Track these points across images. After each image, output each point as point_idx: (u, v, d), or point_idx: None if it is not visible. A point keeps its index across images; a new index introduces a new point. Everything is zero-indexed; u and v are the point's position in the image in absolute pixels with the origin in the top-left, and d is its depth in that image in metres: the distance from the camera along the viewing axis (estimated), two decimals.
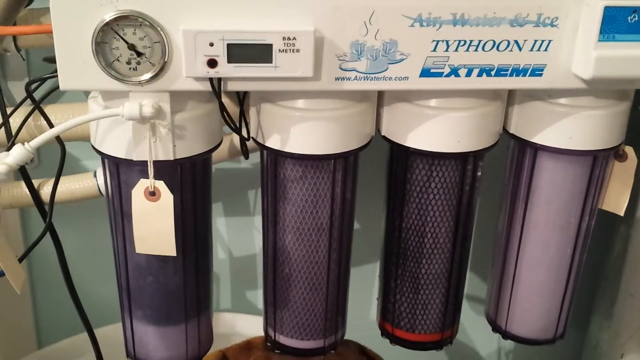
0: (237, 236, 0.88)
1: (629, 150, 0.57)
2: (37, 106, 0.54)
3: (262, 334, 0.65)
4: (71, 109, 0.58)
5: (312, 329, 0.58)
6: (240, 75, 0.44)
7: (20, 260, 0.54)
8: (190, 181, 0.51)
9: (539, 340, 0.63)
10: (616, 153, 0.56)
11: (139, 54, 0.44)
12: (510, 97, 0.54)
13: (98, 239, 0.79)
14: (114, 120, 0.47)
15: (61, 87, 0.44)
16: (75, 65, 0.44)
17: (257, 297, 0.93)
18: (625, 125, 0.54)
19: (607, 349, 0.88)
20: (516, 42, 0.46)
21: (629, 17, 0.44)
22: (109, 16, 0.42)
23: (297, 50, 0.44)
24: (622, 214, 0.59)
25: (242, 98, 0.52)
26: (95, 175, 0.64)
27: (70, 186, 0.63)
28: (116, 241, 0.53)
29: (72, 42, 0.43)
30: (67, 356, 0.77)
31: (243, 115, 0.52)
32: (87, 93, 0.54)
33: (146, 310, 0.55)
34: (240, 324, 0.84)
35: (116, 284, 0.55)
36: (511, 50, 0.47)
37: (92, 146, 0.50)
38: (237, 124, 0.51)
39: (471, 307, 0.89)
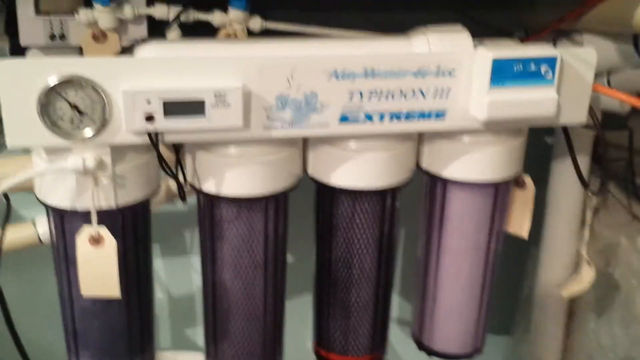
0: (173, 276, 0.91)
1: (527, 179, 0.64)
2: None
3: None
4: (11, 162, 0.60)
5: (251, 359, 0.62)
6: (176, 128, 0.49)
7: None
8: (131, 226, 0.54)
9: (459, 355, 0.69)
10: (516, 182, 0.63)
11: (81, 113, 0.47)
12: (421, 137, 0.60)
13: (38, 286, 0.81)
14: (58, 173, 0.50)
15: (9, 146, 0.48)
16: (21, 125, 0.47)
17: (196, 334, 0.96)
18: (522, 157, 0.61)
19: None
20: (420, 90, 0.53)
21: (515, 67, 0.51)
22: (52, 80, 0.46)
23: (228, 104, 0.49)
24: (525, 236, 0.66)
25: (177, 146, 0.56)
26: (34, 225, 0.66)
27: (11, 236, 0.65)
28: (62, 286, 0.56)
29: (18, 104, 0.46)
30: None
31: (179, 162, 0.56)
32: None
33: (92, 351, 0.57)
34: None
35: (59, 328, 0.58)
36: (416, 98, 0.53)
37: (37, 197, 0.53)
38: (174, 170, 0.55)
39: (401, 328, 0.95)
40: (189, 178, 0.56)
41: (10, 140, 0.47)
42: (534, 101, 0.53)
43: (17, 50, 0.58)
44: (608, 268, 0.78)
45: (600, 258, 0.78)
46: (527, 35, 0.68)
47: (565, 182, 0.77)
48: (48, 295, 0.57)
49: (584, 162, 0.74)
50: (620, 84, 0.66)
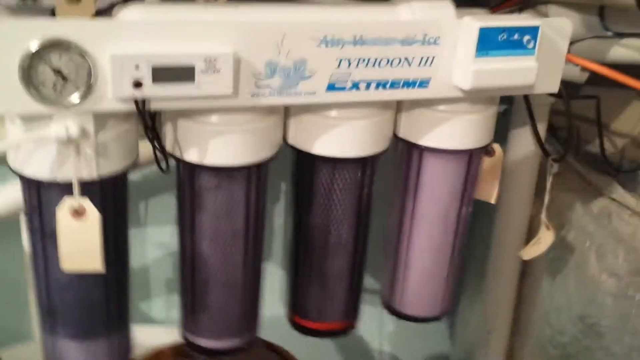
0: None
1: (496, 146, 0.65)
2: None
3: (166, 343, 0.67)
4: None
5: (229, 328, 0.62)
6: (164, 95, 0.47)
7: None
8: (111, 197, 0.52)
9: (428, 318, 0.71)
10: (486, 150, 0.65)
11: (65, 79, 0.45)
12: (399, 106, 0.60)
13: None
14: (36, 143, 0.48)
15: None
16: (1, 91, 0.44)
17: (151, 307, 0.95)
18: (494, 126, 0.62)
19: (476, 325, 0.99)
20: (406, 58, 0.53)
21: (500, 36, 0.52)
22: (35, 44, 0.43)
23: (218, 71, 0.48)
24: (493, 201, 0.68)
25: (153, 114, 0.54)
26: None
27: None
28: (37, 261, 0.53)
29: None
30: None
31: (155, 131, 0.54)
32: None
33: (69, 327, 0.55)
34: (141, 336, 0.85)
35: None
36: (402, 66, 0.53)
37: (10, 168, 0.50)
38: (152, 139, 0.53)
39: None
40: (168, 147, 0.55)
41: None
42: (516, 70, 0.54)
43: None
44: (562, 231, 0.81)
45: (554, 222, 0.82)
46: (494, 6, 0.69)
47: (522, 150, 0.79)
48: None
49: (541, 130, 0.76)
50: (581, 54, 0.69)
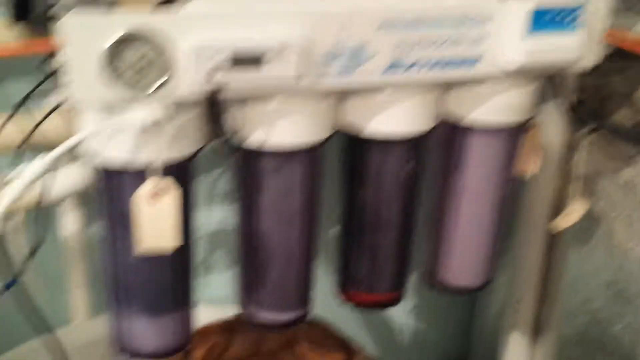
0: None
1: (536, 121, 0.68)
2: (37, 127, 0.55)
3: (210, 321, 0.69)
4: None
5: (288, 303, 0.65)
6: (237, 81, 0.50)
7: None
8: (184, 179, 0.55)
9: (472, 288, 0.74)
10: (528, 125, 0.68)
11: (146, 68, 0.47)
12: (444, 84, 0.63)
13: None
14: (116, 130, 0.50)
15: (73, 101, 0.47)
16: (87, 81, 0.46)
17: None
18: (535, 100, 0.65)
19: (502, 295, 1.02)
20: (459, 39, 0.56)
21: (550, 14, 0.55)
22: (117, 35, 0.46)
23: (286, 57, 0.50)
24: (532, 175, 0.71)
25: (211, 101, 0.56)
26: None
27: None
28: (111, 244, 0.56)
29: (84, 60, 0.46)
30: None
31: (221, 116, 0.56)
32: None
33: (140, 305, 0.58)
34: None
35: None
36: (455, 46, 0.56)
37: (83, 157, 0.52)
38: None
39: None
40: (230, 132, 0.57)
41: (77, 97, 0.47)
42: (564, 47, 0.56)
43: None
44: (589, 202, 0.84)
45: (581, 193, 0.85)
46: None
47: (548, 124, 0.82)
48: None
49: (568, 103, 0.79)
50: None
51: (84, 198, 0.84)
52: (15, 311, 0.52)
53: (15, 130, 0.59)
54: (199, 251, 0.97)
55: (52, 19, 0.54)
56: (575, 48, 0.57)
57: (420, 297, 1.16)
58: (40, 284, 0.51)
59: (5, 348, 0.81)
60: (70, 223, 0.85)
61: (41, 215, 0.59)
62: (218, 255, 1.00)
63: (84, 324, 0.89)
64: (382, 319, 1.17)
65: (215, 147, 0.57)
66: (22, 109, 0.56)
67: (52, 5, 0.54)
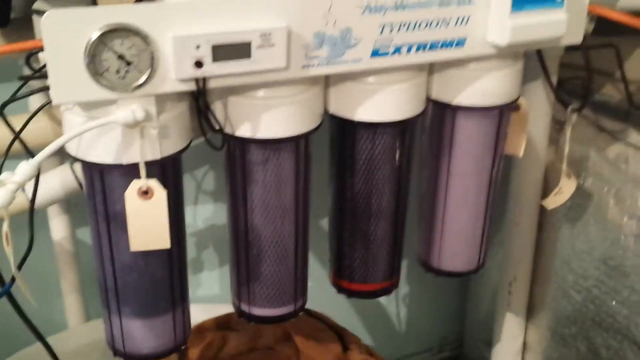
0: None
1: (523, 100, 0.68)
2: (17, 135, 0.54)
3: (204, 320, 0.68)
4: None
5: (282, 296, 0.64)
6: (223, 73, 0.49)
7: None
8: (171, 176, 0.54)
9: (464, 272, 0.73)
10: (515, 104, 0.67)
11: (128, 63, 0.46)
12: (431, 68, 0.62)
13: None
14: (99, 129, 0.49)
15: (54, 102, 0.46)
16: (67, 80, 0.45)
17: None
18: (521, 80, 0.65)
19: (494, 277, 1.02)
20: (444, 20, 0.55)
21: None
22: (99, 31, 0.44)
23: (272, 45, 0.49)
24: (521, 155, 0.71)
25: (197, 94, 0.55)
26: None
27: None
28: (100, 244, 0.55)
29: (63, 57, 0.44)
30: None
31: (209, 109, 0.55)
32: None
33: (135, 306, 0.57)
34: None
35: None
36: (440, 28, 0.55)
37: (71, 155, 0.51)
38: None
39: None
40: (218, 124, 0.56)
41: (56, 97, 0.45)
42: (549, 23, 0.56)
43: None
44: (579, 179, 0.84)
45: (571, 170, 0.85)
46: None
47: (534, 103, 0.82)
48: None
49: (553, 82, 0.79)
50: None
51: (72, 201, 0.83)
52: (14, 318, 0.51)
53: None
54: (188, 250, 0.95)
55: (31, 21, 0.53)
56: (561, 24, 0.57)
57: (412, 284, 1.16)
58: (33, 291, 0.50)
59: (3, 354, 0.80)
60: (60, 228, 0.83)
61: (30, 220, 0.58)
62: (206, 254, 0.99)
63: (79, 328, 0.88)
64: (375, 307, 1.17)
65: (202, 142, 0.56)
66: (4, 113, 0.55)
67: (31, 10, 0.53)
